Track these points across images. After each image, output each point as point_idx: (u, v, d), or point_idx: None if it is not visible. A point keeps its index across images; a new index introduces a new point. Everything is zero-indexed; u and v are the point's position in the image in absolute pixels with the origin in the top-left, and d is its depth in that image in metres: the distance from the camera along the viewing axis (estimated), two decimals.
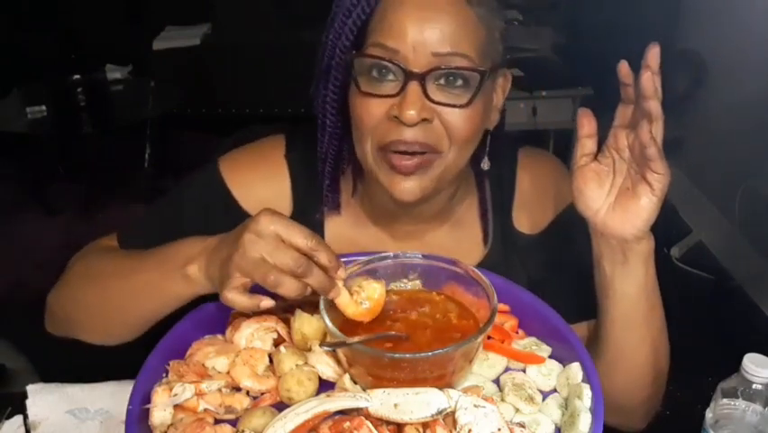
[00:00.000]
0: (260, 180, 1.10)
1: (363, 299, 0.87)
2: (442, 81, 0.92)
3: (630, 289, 0.93)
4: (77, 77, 3.81)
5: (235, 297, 0.84)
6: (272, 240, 0.82)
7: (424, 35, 0.90)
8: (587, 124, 0.91)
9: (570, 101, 3.51)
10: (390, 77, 0.93)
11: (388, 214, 1.10)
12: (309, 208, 1.10)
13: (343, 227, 1.11)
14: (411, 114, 0.90)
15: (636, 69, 0.84)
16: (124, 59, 4.00)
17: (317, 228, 1.10)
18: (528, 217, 1.13)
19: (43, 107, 3.52)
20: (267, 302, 0.84)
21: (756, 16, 2.92)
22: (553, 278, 1.08)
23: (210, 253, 0.89)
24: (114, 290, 1.00)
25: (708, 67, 3.31)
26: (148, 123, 3.64)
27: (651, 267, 0.93)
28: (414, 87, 0.91)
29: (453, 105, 0.93)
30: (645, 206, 0.87)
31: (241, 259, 0.82)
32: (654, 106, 0.83)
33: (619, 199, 0.90)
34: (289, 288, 0.81)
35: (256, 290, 0.85)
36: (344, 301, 0.86)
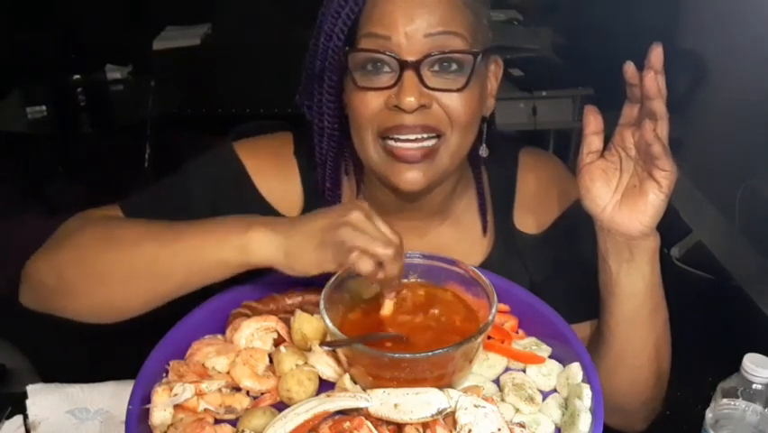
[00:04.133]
0: (273, 171, 1.11)
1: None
2: (436, 68, 0.94)
3: (636, 287, 0.94)
4: (77, 77, 3.80)
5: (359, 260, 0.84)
6: (370, 227, 0.85)
7: (414, 21, 0.91)
8: (593, 122, 0.92)
9: (570, 101, 3.50)
10: (386, 69, 0.94)
11: (390, 211, 1.10)
12: (318, 206, 1.10)
13: None
14: (410, 100, 0.91)
15: (639, 68, 0.84)
16: (124, 59, 3.99)
17: None
18: (530, 218, 1.13)
19: (43, 107, 3.52)
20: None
21: (756, 16, 2.91)
22: (556, 278, 1.08)
23: (289, 227, 0.89)
24: (146, 255, 0.94)
25: (708, 67, 3.31)
26: (148, 123, 3.63)
27: (656, 265, 0.94)
28: (409, 75, 0.92)
29: (450, 90, 0.94)
30: (653, 202, 0.88)
31: (352, 232, 0.83)
32: (659, 106, 0.85)
33: (626, 196, 0.90)
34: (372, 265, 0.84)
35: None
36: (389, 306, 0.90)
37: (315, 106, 1.03)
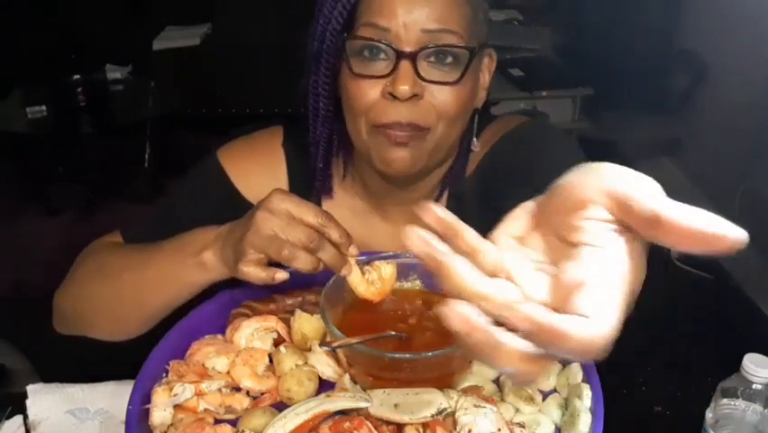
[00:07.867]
0: (257, 169, 1.12)
1: (375, 279, 0.88)
2: (432, 59, 0.94)
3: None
4: (77, 77, 3.80)
5: (251, 270, 0.86)
6: (284, 216, 0.85)
7: (413, 13, 0.92)
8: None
9: (570, 101, 3.50)
10: (382, 56, 0.95)
11: (378, 194, 1.12)
12: (305, 195, 1.11)
13: (336, 211, 1.12)
14: (404, 89, 0.92)
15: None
16: (124, 59, 3.99)
17: None
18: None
19: (43, 107, 3.52)
20: (281, 274, 0.87)
21: (756, 16, 2.91)
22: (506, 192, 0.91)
23: (225, 238, 0.91)
24: (128, 284, 1.01)
25: (708, 67, 3.31)
26: (148, 123, 3.63)
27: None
28: (405, 65, 0.93)
29: (444, 83, 0.94)
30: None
31: (254, 236, 0.84)
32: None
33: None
34: (304, 261, 0.83)
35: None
36: (356, 279, 0.87)
37: (311, 87, 1.04)
